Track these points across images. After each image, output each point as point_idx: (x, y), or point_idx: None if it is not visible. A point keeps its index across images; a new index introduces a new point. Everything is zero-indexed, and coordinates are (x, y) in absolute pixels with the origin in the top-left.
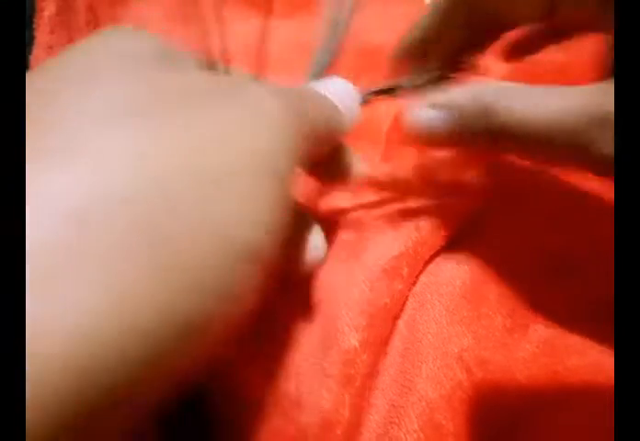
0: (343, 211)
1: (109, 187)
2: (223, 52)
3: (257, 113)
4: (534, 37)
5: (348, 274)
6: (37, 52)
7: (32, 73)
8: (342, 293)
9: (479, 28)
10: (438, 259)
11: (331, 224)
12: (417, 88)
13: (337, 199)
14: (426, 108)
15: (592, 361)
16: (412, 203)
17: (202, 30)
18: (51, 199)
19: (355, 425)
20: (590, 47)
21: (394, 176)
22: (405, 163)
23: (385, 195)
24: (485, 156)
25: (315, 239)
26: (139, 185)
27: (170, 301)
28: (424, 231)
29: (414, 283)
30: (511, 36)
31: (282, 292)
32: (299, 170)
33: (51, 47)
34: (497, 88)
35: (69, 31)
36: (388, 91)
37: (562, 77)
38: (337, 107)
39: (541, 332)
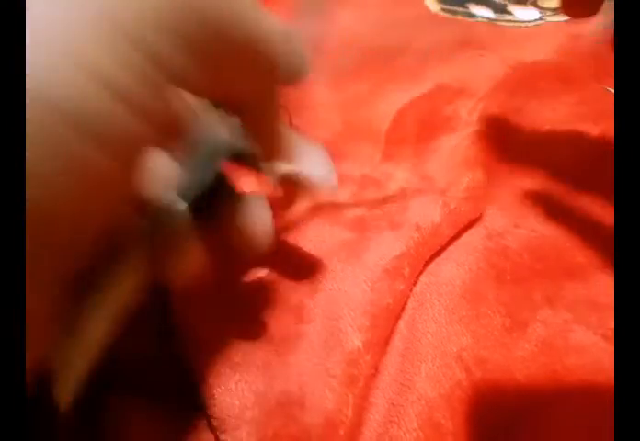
0: (343, 210)
1: None
2: None
3: None
4: None
5: (349, 274)
6: None
7: None
8: (344, 293)
9: None
10: (438, 259)
11: (329, 223)
12: None
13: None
14: None
15: (591, 360)
16: (412, 203)
17: None
18: None
19: (357, 425)
20: (590, 47)
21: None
22: (405, 163)
23: (386, 194)
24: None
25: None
26: None
27: None
28: (425, 230)
29: (414, 283)
30: None
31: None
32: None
33: None
34: None
35: None
36: None
37: (562, 77)
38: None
39: (540, 331)
